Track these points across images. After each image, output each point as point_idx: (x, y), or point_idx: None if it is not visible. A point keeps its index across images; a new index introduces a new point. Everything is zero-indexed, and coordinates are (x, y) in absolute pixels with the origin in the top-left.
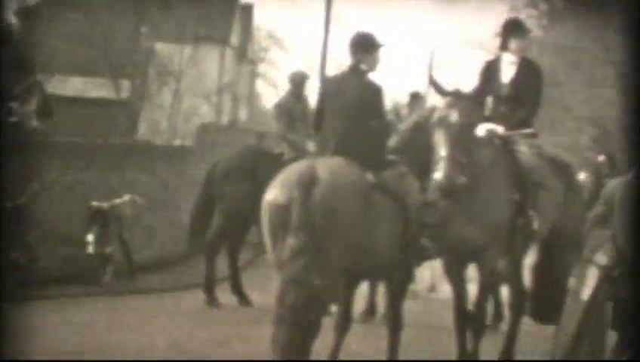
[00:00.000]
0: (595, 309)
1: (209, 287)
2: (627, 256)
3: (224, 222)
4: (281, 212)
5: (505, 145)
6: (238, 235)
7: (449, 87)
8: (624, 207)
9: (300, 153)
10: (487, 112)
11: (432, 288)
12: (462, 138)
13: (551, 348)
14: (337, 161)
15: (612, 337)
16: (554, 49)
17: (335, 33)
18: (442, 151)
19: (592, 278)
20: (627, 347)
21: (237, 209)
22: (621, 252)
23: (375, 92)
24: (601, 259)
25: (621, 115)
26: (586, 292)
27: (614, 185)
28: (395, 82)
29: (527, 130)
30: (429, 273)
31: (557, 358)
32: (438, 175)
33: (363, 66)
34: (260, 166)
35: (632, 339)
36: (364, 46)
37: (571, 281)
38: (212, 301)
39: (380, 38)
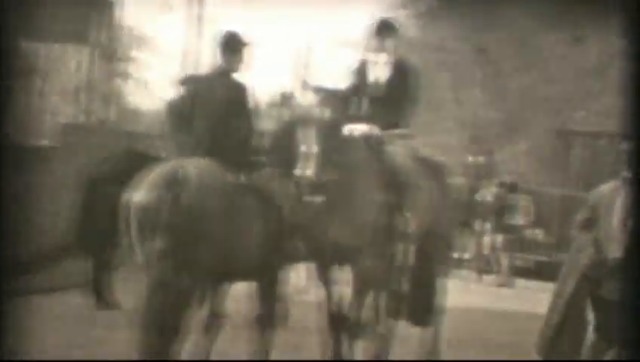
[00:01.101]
0: (575, 306)
1: (97, 289)
2: (608, 258)
3: (106, 223)
4: (147, 213)
5: (378, 146)
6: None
7: (321, 85)
8: (611, 211)
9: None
10: (360, 112)
11: (304, 290)
12: (331, 136)
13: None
14: (205, 162)
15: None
16: (427, 49)
17: (209, 33)
18: (311, 148)
19: (573, 277)
20: (606, 344)
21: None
22: (602, 254)
23: (241, 91)
24: (583, 259)
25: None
26: (567, 290)
27: (601, 190)
28: (266, 81)
29: (403, 131)
30: (301, 274)
31: (537, 350)
32: (306, 172)
33: (230, 66)
34: (138, 168)
35: (613, 337)
36: (231, 45)
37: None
38: (102, 302)
39: (247, 36)
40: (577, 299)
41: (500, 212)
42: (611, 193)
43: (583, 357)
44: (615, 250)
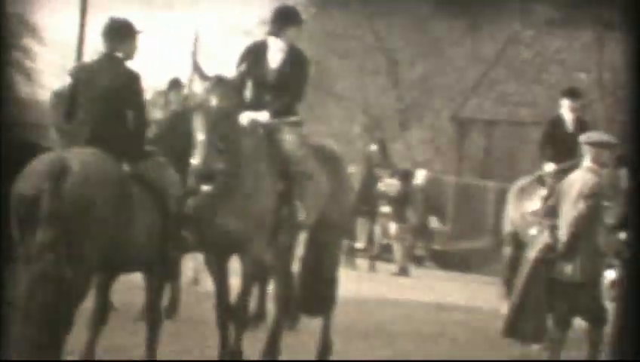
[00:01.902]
0: (533, 288)
1: None
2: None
3: None
4: (29, 204)
5: (269, 134)
6: None
7: (213, 73)
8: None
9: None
10: (252, 100)
11: (195, 281)
12: (221, 124)
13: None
14: (90, 152)
15: None
16: (324, 37)
17: (100, 21)
18: (200, 136)
19: (530, 262)
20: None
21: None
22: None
23: (131, 80)
24: (539, 244)
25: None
26: (524, 275)
27: (567, 179)
28: (158, 69)
29: (292, 118)
30: (192, 265)
31: (504, 331)
32: (194, 160)
33: (119, 54)
34: (29, 159)
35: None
36: (120, 33)
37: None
38: None
39: (137, 24)
40: (535, 282)
41: (398, 201)
42: (572, 182)
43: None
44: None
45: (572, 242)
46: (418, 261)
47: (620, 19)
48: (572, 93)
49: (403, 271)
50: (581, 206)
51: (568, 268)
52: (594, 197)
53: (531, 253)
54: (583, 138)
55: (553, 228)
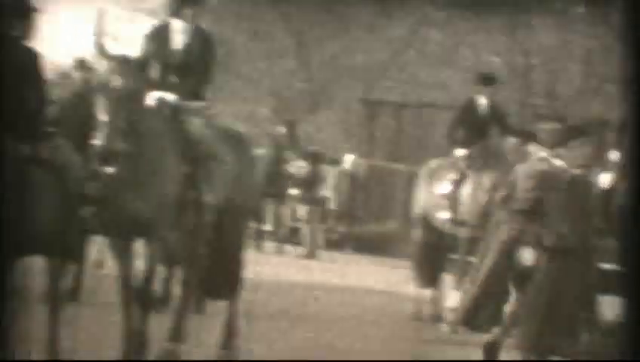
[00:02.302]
0: (496, 278)
1: None
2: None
3: None
4: None
5: (175, 116)
6: None
7: (117, 52)
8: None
9: None
10: (158, 80)
11: (99, 264)
12: (125, 104)
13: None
14: None
15: None
16: (231, 18)
17: None
18: (103, 117)
19: (493, 251)
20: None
21: None
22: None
23: (33, 59)
24: (502, 234)
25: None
26: (487, 264)
27: (519, 168)
28: (60, 48)
29: (200, 103)
30: (96, 248)
31: (459, 319)
32: (97, 141)
33: (15, 32)
34: None
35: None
36: (15, 10)
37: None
38: None
39: (35, 2)
40: (498, 272)
41: (308, 183)
42: (526, 171)
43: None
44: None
45: None
46: (330, 245)
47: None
48: (486, 79)
49: (311, 255)
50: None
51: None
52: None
53: (495, 242)
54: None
55: (514, 215)
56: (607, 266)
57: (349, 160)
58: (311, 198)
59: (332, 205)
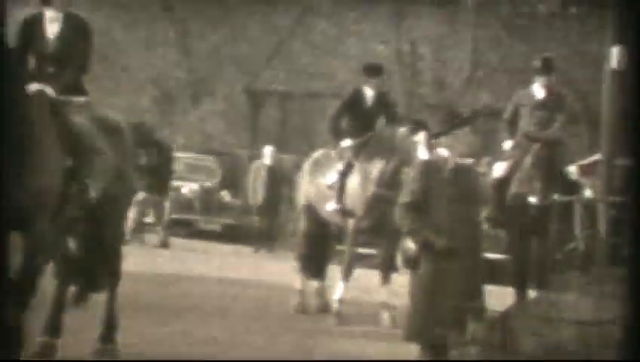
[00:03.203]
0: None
1: None
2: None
3: None
4: None
5: (55, 107)
6: None
7: None
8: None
9: None
10: (32, 71)
11: None
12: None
13: None
14: None
15: None
16: (108, 7)
17: None
18: None
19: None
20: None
21: None
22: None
23: None
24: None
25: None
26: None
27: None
28: None
29: (81, 98)
30: None
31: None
32: None
33: None
34: None
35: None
36: None
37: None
38: None
39: None
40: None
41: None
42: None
43: None
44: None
45: None
46: (210, 236)
47: None
48: (372, 69)
49: (165, 244)
50: None
51: None
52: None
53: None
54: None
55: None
56: (494, 256)
57: (267, 153)
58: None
59: (251, 199)
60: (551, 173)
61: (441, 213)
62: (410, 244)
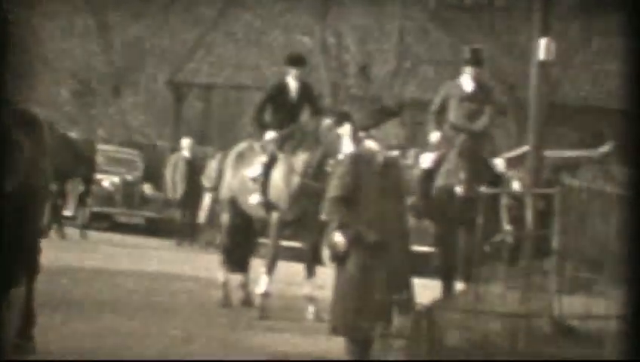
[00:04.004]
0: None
1: None
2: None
3: None
4: None
5: None
6: None
7: None
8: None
9: None
10: None
11: None
12: None
13: None
14: None
15: None
16: None
17: None
18: None
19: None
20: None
21: None
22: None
23: None
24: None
25: None
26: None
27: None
28: None
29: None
30: None
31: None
32: None
33: None
34: None
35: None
36: None
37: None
38: None
39: None
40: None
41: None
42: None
43: None
44: None
45: None
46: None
47: None
48: (296, 61)
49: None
50: None
51: None
52: None
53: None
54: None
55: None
56: (421, 248)
57: (186, 145)
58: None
59: (171, 192)
60: (476, 164)
61: (371, 207)
62: (338, 239)
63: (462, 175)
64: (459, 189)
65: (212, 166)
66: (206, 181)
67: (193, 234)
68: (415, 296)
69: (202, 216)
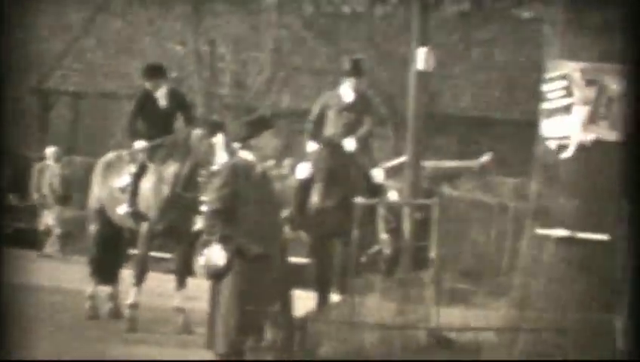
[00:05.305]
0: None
1: None
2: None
3: None
4: None
5: None
6: None
7: None
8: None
9: None
10: None
11: None
12: None
13: None
14: None
15: None
16: None
17: None
18: None
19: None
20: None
21: None
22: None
23: None
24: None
25: None
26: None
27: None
28: None
29: None
30: None
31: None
32: None
33: None
34: None
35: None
36: None
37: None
38: None
39: None
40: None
41: None
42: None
43: None
44: None
45: None
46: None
47: None
48: (152, 71)
49: None
50: None
51: None
52: None
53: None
54: None
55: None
56: (297, 260)
57: (51, 154)
58: None
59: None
60: (335, 176)
61: (251, 219)
62: (217, 254)
63: (319, 187)
64: (314, 200)
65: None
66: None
67: (62, 244)
68: (293, 308)
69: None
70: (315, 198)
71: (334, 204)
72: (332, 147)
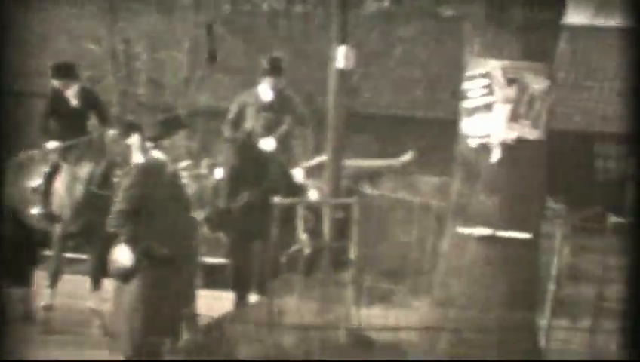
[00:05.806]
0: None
1: None
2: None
3: None
4: None
5: None
6: None
7: None
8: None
9: None
10: None
11: None
12: None
13: None
14: None
15: None
16: None
17: None
18: None
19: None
20: None
21: None
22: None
23: None
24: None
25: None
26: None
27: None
28: None
29: None
30: None
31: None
32: None
33: None
34: None
35: None
36: None
37: None
38: None
39: None
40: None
41: None
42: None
43: None
44: None
45: None
46: None
47: None
48: (63, 70)
49: None
50: None
51: None
52: None
53: None
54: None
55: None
56: (213, 260)
57: None
58: None
59: None
60: (242, 175)
61: (162, 219)
62: (124, 255)
63: (223, 186)
64: (220, 201)
65: None
66: None
67: None
68: (197, 310)
69: None
70: (220, 198)
71: (241, 204)
72: (238, 146)
